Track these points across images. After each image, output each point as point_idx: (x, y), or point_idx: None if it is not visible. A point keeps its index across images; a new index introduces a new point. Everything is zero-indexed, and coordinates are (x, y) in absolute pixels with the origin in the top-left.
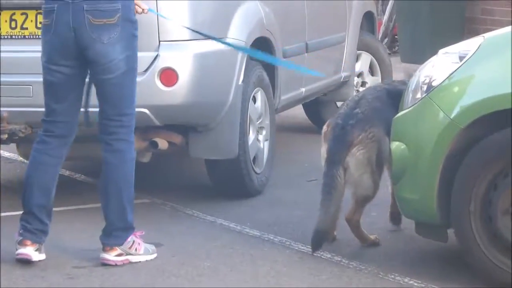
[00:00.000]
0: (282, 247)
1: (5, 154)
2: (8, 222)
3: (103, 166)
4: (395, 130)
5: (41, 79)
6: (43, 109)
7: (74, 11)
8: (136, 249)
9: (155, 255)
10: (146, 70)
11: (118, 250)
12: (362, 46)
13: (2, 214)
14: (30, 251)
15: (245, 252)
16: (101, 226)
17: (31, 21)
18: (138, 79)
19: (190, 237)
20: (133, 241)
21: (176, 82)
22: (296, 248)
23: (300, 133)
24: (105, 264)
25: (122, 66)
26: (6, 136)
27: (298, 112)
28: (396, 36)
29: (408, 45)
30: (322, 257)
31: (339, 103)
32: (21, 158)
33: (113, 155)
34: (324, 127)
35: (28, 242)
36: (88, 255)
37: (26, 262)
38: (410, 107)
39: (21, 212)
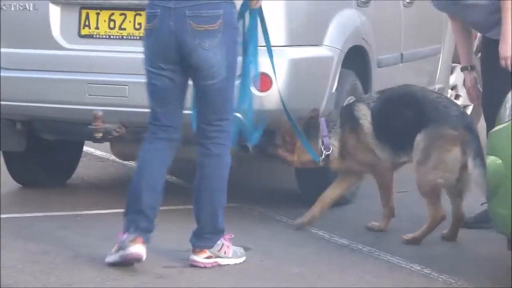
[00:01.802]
0: (370, 257)
1: (97, 152)
2: (98, 219)
3: (199, 170)
4: (491, 144)
5: (137, 80)
6: (138, 109)
7: (176, 16)
8: (225, 252)
9: (243, 258)
10: (239, 75)
11: (207, 253)
12: (457, 59)
13: (93, 212)
14: (142, 249)
15: (333, 261)
16: (191, 227)
17: (130, 22)
18: None
19: (278, 242)
20: (222, 244)
21: (270, 88)
22: (385, 258)
23: None
24: (194, 266)
25: (223, 72)
26: (100, 134)
27: None
28: None
29: None
30: (412, 269)
31: None
32: (113, 157)
33: (210, 159)
34: (453, 132)
35: (141, 240)
36: (178, 255)
37: (137, 261)
38: (508, 121)
39: (111, 210)
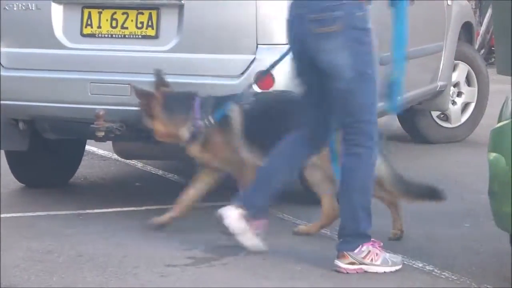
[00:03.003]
0: None
1: (100, 151)
2: (101, 218)
3: (341, 169)
4: (492, 141)
5: (139, 79)
6: (140, 108)
7: (300, 21)
8: (372, 259)
9: (396, 267)
10: (242, 73)
11: (349, 258)
12: (460, 56)
13: (96, 210)
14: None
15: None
16: (192, 226)
17: (132, 20)
18: (234, 81)
19: (281, 240)
20: (369, 251)
21: (272, 86)
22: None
23: (394, 142)
24: (337, 271)
25: (349, 74)
26: (102, 133)
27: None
28: (493, 48)
29: (505, 56)
30: (414, 266)
31: (434, 113)
32: (115, 156)
33: (349, 159)
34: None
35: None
36: (181, 254)
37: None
38: (510, 118)
39: (113, 209)
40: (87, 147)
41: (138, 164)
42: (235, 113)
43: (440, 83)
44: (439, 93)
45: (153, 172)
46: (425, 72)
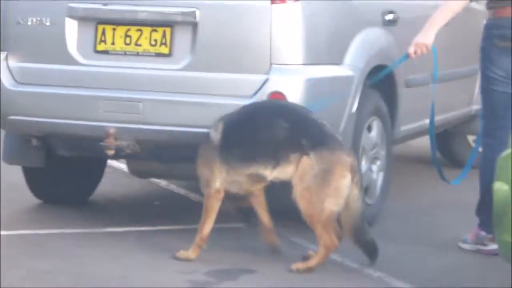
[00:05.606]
0: (379, 282)
1: (125, 168)
2: (113, 238)
3: None
4: (498, 170)
5: (151, 97)
6: (151, 127)
7: None
8: None
9: None
10: (255, 93)
11: None
12: None
13: (108, 229)
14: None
15: (341, 285)
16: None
17: (146, 38)
18: (247, 102)
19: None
20: None
21: None
22: (394, 286)
23: (426, 165)
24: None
25: None
26: (112, 152)
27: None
28: None
29: None
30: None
31: (470, 137)
32: None
33: None
34: (347, 158)
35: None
36: (183, 278)
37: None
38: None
39: (124, 229)
40: (114, 163)
41: (161, 182)
42: (218, 125)
43: (475, 107)
44: (475, 117)
45: (175, 191)
46: (458, 95)
